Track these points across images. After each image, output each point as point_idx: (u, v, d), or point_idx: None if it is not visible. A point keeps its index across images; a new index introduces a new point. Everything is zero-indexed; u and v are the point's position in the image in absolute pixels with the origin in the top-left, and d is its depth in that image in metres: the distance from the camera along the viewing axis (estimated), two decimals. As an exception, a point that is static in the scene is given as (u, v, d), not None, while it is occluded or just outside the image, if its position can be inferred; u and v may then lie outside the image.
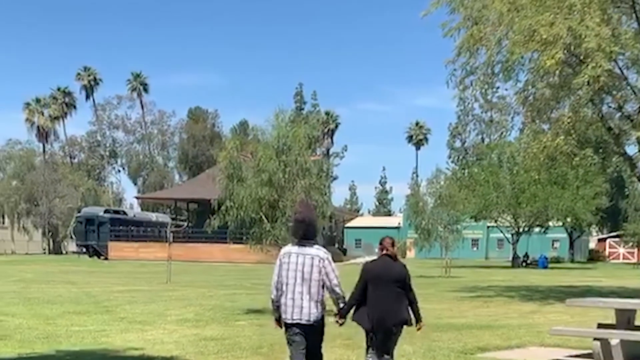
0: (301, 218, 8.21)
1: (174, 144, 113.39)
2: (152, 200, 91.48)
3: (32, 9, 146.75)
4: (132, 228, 70.41)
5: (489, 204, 61.71)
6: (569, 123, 24.11)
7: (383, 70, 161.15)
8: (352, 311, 8.79)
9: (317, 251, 8.00)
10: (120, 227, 69.92)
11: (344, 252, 76.56)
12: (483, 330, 15.72)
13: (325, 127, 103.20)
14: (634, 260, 78.40)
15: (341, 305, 8.32)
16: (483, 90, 25.63)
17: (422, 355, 12.39)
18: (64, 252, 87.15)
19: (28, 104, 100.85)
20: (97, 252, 68.14)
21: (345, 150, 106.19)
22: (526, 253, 68.95)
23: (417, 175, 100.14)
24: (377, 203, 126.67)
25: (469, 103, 27.24)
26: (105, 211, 74.66)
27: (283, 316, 8.03)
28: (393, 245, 8.97)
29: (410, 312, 8.95)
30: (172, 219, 69.92)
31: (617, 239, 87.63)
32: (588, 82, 21.97)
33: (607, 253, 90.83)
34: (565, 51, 22.18)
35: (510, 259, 67.23)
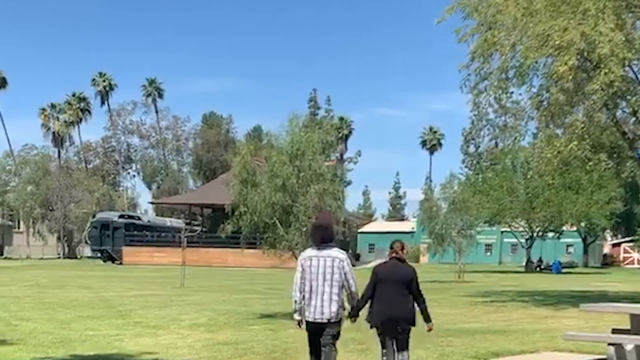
0: (319, 223, 8.84)
1: (188, 149, 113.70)
2: (166, 205, 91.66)
3: (47, 15, 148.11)
4: (147, 233, 70.63)
5: (502, 208, 61.57)
6: (582, 128, 24.06)
7: (397, 75, 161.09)
8: (364, 312, 9.20)
9: (336, 253, 8.54)
10: (135, 232, 70.11)
11: (357, 257, 76.52)
12: (496, 335, 15.69)
13: (339, 133, 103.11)
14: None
15: (354, 304, 8.82)
16: (497, 95, 25.55)
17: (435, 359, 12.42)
18: (78, 256, 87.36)
19: (44, 110, 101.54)
20: (111, 257, 68.34)
21: (359, 156, 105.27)
22: (540, 258, 68.70)
23: (430, 180, 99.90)
24: (391, 208, 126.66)
25: (482, 108, 27.14)
26: (120, 216, 74.89)
27: (305, 315, 8.53)
28: (403, 249, 9.36)
29: (417, 312, 9.27)
30: (186, 224, 70.03)
31: (631, 244, 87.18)
32: (602, 87, 21.93)
33: (621, 258, 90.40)
34: (579, 57, 22.16)
35: (524, 263, 67.06)
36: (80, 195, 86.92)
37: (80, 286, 32.44)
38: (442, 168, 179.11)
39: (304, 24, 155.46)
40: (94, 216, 77.37)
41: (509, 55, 24.04)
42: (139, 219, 78.57)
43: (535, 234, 66.59)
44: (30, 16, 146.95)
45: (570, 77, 22.50)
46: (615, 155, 28.86)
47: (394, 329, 9.15)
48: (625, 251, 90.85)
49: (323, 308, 8.40)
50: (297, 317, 8.68)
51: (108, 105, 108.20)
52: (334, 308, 8.42)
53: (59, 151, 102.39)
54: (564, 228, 68.57)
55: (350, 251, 77.74)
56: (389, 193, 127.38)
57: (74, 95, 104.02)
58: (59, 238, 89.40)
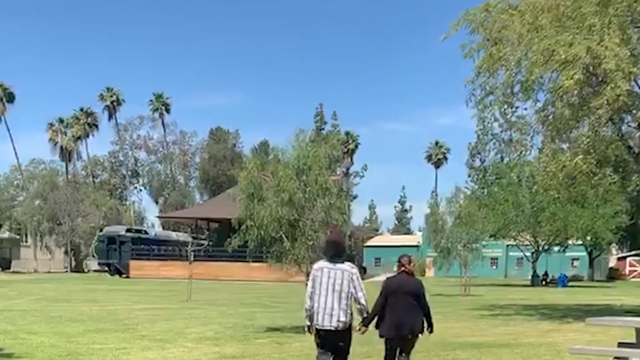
0: (332, 239, 9.67)
1: (195, 163, 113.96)
2: (173, 219, 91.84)
3: (55, 30, 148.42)
4: (153, 247, 70.73)
5: (508, 222, 61.44)
6: (588, 142, 24.07)
7: (403, 90, 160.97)
8: (375, 323, 9.85)
9: (347, 266, 9.15)
10: (142, 246, 70.17)
11: (364, 270, 76.39)
12: (502, 349, 15.71)
13: (345, 147, 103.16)
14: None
15: (364, 315, 9.42)
16: (502, 110, 25.60)
17: (441, 373, 12.47)
18: (85, 270, 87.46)
19: (51, 124, 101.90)
20: (118, 271, 68.46)
21: (365, 170, 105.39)
22: (545, 272, 68.53)
23: (436, 194, 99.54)
24: (397, 222, 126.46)
25: (488, 122, 27.20)
26: (127, 230, 75.05)
27: (315, 322, 9.06)
28: (410, 262, 10.06)
29: (425, 322, 9.96)
30: (193, 238, 70.17)
31: (637, 258, 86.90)
32: (607, 102, 21.98)
33: (627, 272, 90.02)
34: (584, 71, 22.22)
35: (530, 277, 66.87)
36: (88, 210, 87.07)
37: (87, 300, 32.51)
38: (448, 182, 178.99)
39: (311, 39, 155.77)
40: (101, 230, 77.57)
41: (515, 70, 24.11)
42: (146, 232, 78.74)
43: (540, 248, 66.43)
44: (37, 32, 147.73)
45: (576, 91, 22.59)
46: (620, 170, 28.86)
47: (404, 338, 9.77)
48: (631, 265, 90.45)
49: (332, 317, 8.90)
50: (307, 322, 9.23)
51: (115, 119, 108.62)
52: (343, 317, 8.91)
53: (66, 165, 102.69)
54: (570, 242, 68.36)
55: (356, 265, 77.67)
56: (395, 207, 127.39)
57: (81, 110, 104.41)
58: (66, 252, 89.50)
